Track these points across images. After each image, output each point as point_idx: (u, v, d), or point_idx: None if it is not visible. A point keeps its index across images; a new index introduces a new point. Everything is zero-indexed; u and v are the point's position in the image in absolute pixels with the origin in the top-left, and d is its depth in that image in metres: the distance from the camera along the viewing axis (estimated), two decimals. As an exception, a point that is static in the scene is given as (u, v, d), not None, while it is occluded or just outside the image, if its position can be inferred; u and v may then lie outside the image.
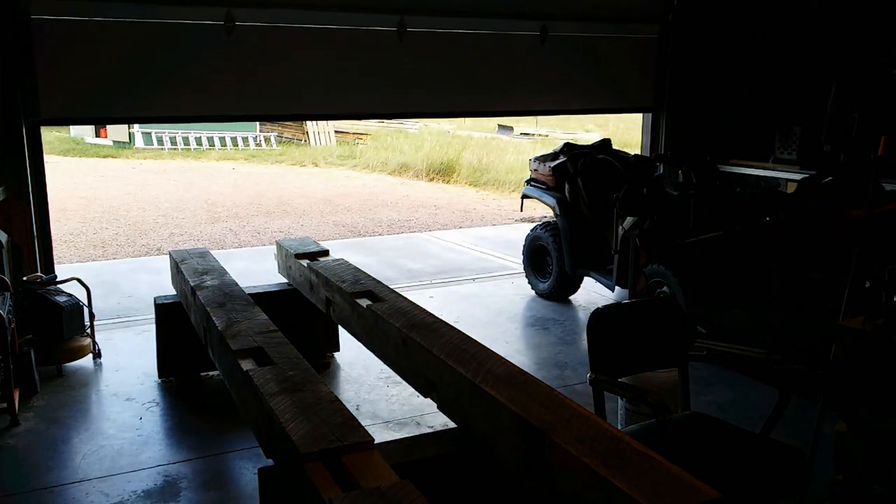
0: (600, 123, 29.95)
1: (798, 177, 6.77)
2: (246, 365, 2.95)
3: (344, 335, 4.64)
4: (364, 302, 3.60)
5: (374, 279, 3.97)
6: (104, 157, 18.94)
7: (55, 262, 5.62)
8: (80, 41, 5.22)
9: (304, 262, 4.53)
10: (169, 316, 4.66)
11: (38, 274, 5.16)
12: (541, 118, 31.50)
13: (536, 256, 6.74)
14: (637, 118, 7.71)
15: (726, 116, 7.26)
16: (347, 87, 6.09)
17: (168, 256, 5.01)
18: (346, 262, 4.41)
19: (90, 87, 5.34)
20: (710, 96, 7.24)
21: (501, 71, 6.63)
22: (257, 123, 22.39)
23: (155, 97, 5.53)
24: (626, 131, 24.42)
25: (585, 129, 28.01)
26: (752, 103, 7.19)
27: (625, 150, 6.80)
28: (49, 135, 19.59)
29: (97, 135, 21.13)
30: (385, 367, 3.46)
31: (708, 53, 7.17)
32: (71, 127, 22.03)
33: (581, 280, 6.52)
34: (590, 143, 6.82)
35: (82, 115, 5.71)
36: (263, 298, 4.39)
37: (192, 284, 4.16)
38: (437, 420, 4.07)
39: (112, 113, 5.71)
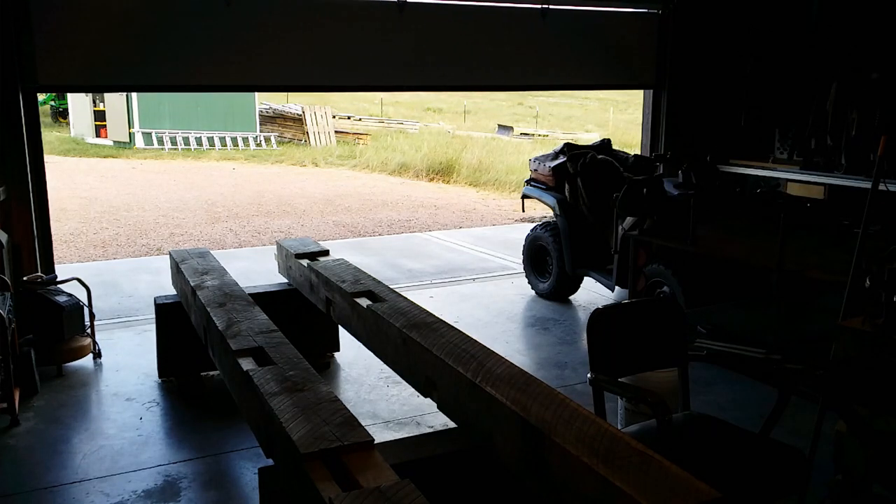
0: (600, 123, 30.01)
1: (798, 177, 6.78)
2: (246, 365, 2.95)
3: (344, 335, 4.64)
4: (364, 302, 3.60)
5: (374, 279, 3.98)
6: (104, 157, 18.93)
7: (55, 262, 5.62)
8: (78, 7, 5.18)
9: (305, 262, 4.53)
10: (169, 316, 4.66)
11: (39, 274, 5.16)
12: (541, 118, 31.54)
13: (536, 256, 6.74)
14: (638, 118, 7.71)
15: (726, 115, 7.26)
16: (345, 59, 6.04)
17: (168, 256, 5.02)
18: (346, 262, 4.41)
19: (88, 55, 5.31)
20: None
21: (502, 46, 6.58)
22: (258, 123, 22.43)
23: (154, 66, 5.49)
24: (626, 131, 24.45)
25: (585, 129, 28.04)
26: (752, 103, 7.19)
27: (625, 150, 6.80)
28: (49, 135, 19.59)
29: (97, 135, 21.14)
30: (385, 367, 3.46)
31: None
32: (71, 127, 22.07)
33: (581, 280, 6.52)
34: (590, 143, 6.82)
35: (80, 82, 5.63)
36: (263, 298, 4.39)
37: (192, 284, 4.16)
38: (437, 420, 4.07)
39: (110, 81, 5.65)
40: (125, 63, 5.43)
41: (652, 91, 7.35)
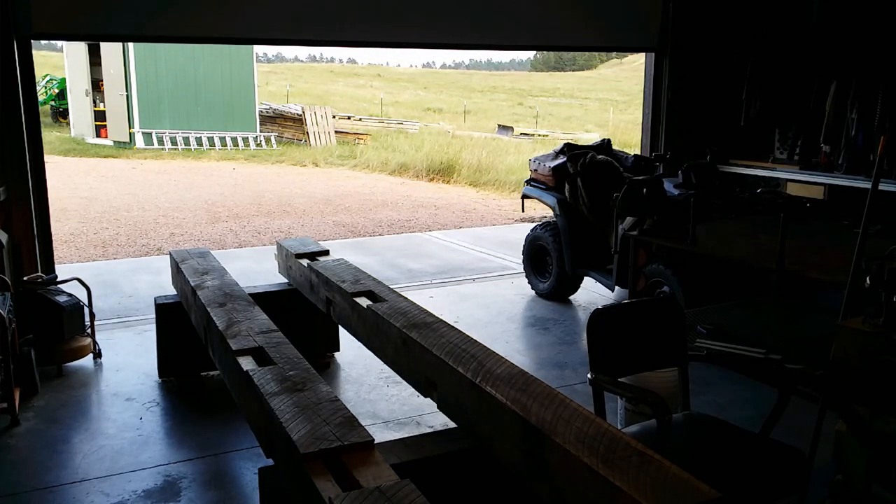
0: (600, 123, 30.03)
1: (797, 177, 6.78)
2: (246, 365, 2.95)
3: (344, 335, 4.64)
4: (364, 302, 3.60)
5: (374, 279, 3.98)
6: (104, 157, 18.93)
7: (55, 262, 5.62)
8: None
9: (305, 262, 4.53)
10: (169, 316, 4.66)
11: (39, 274, 5.16)
12: (541, 118, 31.56)
13: (536, 256, 6.74)
14: (638, 118, 7.68)
15: (726, 109, 7.22)
16: (344, 12, 5.94)
17: (168, 256, 5.02)
18: (347, 261, 4.41)
19: (84, 2, 5.21)
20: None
21: (497, 2, 6.45)
22: (258, 123, 22.42)
23: (151, 16, 5.39)
24: (626, 131, 24.45)
25: (585, 129, 28.07)
26: (752, 102, 7.18)
27: (625, 150, 6.80)
28: (49, 135, 19.59)
29: (97, 135, 21.14)
30: (385, 367, 3.46)
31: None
32: (71, 127, 22.06)
33: (581, 280, 6.52)
34: (590, 143, 6.81)
35: (75, 31, 5.47)
36: (264, 298, 4.40)
37: (192, 284, 4.16)
38: (437, 420, 4.07)
39: (106, 30, 5.52)
40: (122, 11, 5.31)
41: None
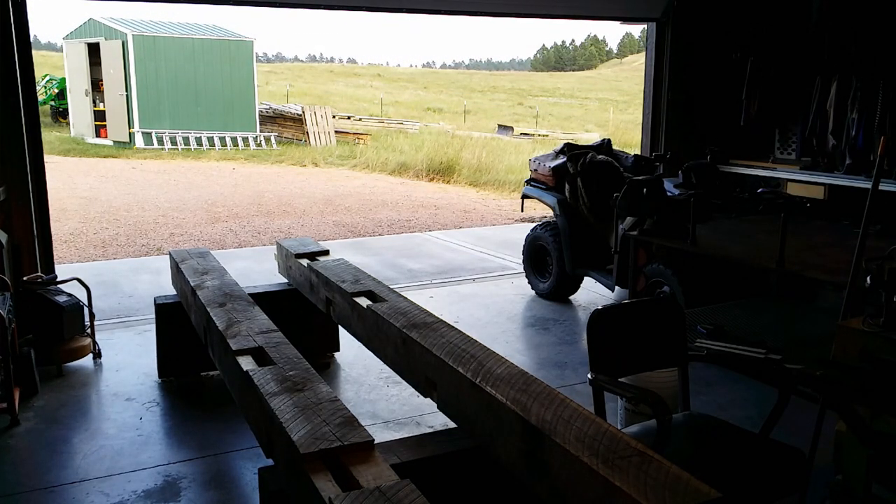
0: (600, 123, 30.04)
1: (798, 177, 6.78)
2: (246, 365, 2.95)
3: (344, 335, 4.64)
4: (364, 302, 3.60)
5: (374, 279, 3.98)
6: (104, 157, 18.92)
7: (55, 261, 5.62)
8: None
9: (305, 262, 4.53)
10: (169, 316, 4.66)
11: (38, 274, 5.16)
12: (541, 118, 31.57)
13: (536, 256, 6.74)
14: (637, 118, 7.68)
15: (726, 114, 7.22)
16: None
17: (168, 256, 5.02)
18: (346, 261, 4.41)
19: None
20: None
21: None
22: (258, 123, 22.42)
23: None
24: (626, 131, 24.46)
25: (585, 129, 28.08)
26: (752, 102, 7.18)
27: (625, 150, 6.80)
28: (49, 135, 19.59)
29: (97, 135, 21.14)
30: (385, 367, 3.46)
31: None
32: (71, 127, 22.06)
33: (581, 280, 6.52)
34: (590, 143, 6.81)
35: None
36: (264, 298, 4.39)
37: (192, 284, 4.16)
38: (437, 420, 4.07)
39: None
40: None
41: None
